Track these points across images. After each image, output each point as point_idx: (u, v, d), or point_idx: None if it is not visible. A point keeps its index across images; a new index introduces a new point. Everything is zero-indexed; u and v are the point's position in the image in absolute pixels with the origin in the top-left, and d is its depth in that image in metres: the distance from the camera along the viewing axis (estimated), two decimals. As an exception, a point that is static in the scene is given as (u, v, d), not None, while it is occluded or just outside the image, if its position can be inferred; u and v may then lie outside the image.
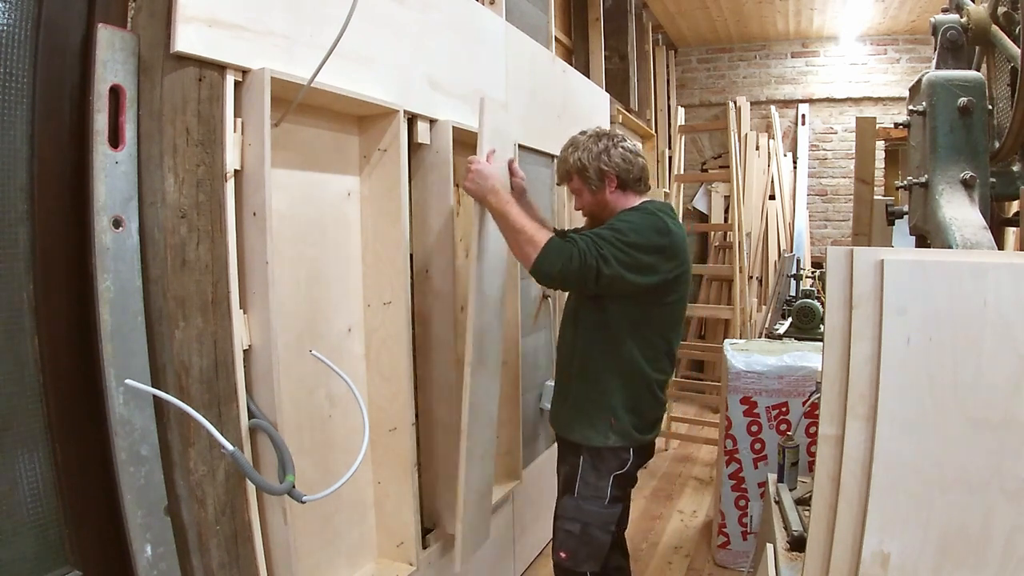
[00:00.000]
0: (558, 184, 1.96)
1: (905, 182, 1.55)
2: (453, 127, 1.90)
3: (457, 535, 1.76)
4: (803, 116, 5.63)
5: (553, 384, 1.99)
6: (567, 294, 1.86)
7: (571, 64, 3.69)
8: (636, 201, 1.74)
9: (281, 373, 1.34)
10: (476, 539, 1.89)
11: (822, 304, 2.89)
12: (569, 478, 1.72)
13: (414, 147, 1.84)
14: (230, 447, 1.16)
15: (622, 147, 1.71)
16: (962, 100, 1.37)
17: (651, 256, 1.59)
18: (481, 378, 1.77)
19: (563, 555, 1.70)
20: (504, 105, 2.31)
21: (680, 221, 1.75)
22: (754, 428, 2.64)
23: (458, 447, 1.72)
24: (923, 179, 1.43)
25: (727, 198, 5.55)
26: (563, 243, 1.55)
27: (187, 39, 1.13)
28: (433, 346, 1.91)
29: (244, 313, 1.30)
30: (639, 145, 1.77)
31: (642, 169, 1.74)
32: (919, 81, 1.48)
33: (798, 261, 4.91)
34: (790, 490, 1.77)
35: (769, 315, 4.22)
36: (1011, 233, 1.90)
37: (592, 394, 1.69)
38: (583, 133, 1.76)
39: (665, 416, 4.37)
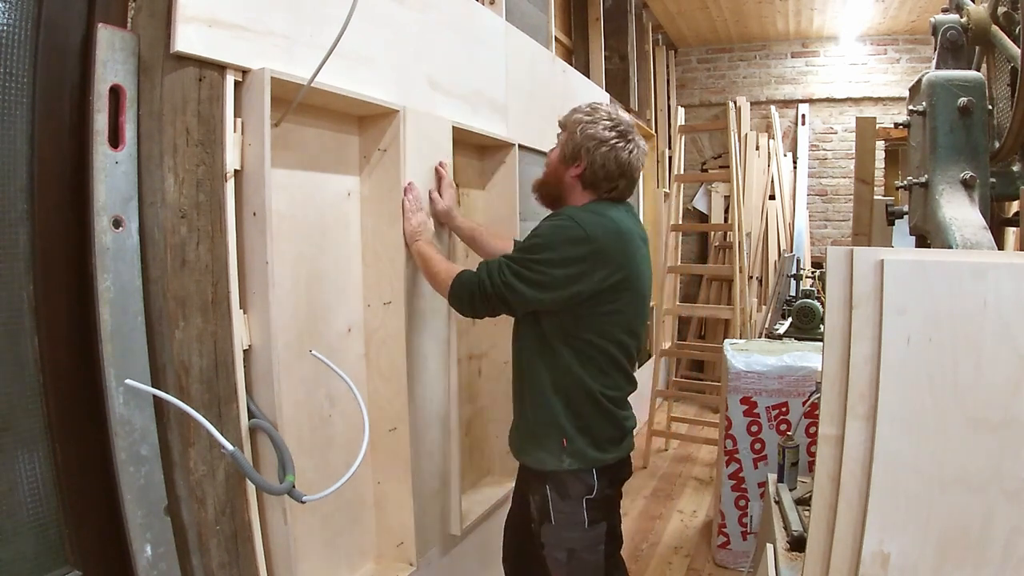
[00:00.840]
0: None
1: (905, 182, 1.55)
2: (453, 127, 1.90)
3: (408, 533, 1.76)
4: (803, 116, 5.63)
5: None
6: None
7: (571, 64, 3.69)
8: (585, 201, 1.57)
9: (281, 373, 1.35)
10: (429, 537, 1.88)
11: (822, 304, 2.89)
12: (542, 507, 1.60)
13: (414, 147, 1.84)
14: (230, 447, 1.16)
15: (617, 151, 1.53)
16: (962, 100, 1.37)
17: (570, 268, 1.44)
18: (421, 387, 1.79)
19: None
20: (504, 107, 2.31)
21: (625, 220, 1.55)
22: (754, 428, 2.64)
23: (455, 446, 1.71)
24: (923, 179, 1.42)
25: (727, 198, 5.55)
26: (471, 276, 1.51)
27: (187, 39, 1.13)
28: (433, 346, 1.91)
29: (244, 313, 1.30)
30: (636, 159, 1.55)
31: (617, 179, 1.55)
32: (919, 81, 1.48)
33: (798, 261, 4.90)
34: (790, 490, 1.77)
35: (769, 315, 4.22)
36: (1011, 233, 1.89)
37: (539, 413, 1.56)
38: (604, 108, 1.58)
39: (667, 417, 4.39)
